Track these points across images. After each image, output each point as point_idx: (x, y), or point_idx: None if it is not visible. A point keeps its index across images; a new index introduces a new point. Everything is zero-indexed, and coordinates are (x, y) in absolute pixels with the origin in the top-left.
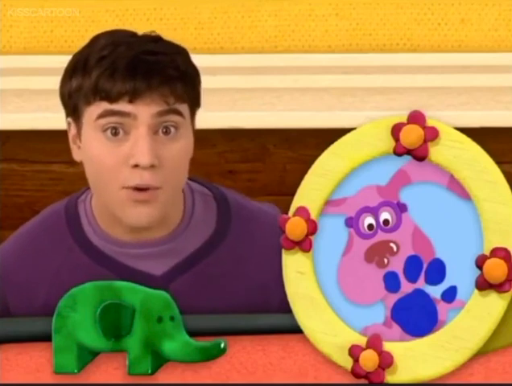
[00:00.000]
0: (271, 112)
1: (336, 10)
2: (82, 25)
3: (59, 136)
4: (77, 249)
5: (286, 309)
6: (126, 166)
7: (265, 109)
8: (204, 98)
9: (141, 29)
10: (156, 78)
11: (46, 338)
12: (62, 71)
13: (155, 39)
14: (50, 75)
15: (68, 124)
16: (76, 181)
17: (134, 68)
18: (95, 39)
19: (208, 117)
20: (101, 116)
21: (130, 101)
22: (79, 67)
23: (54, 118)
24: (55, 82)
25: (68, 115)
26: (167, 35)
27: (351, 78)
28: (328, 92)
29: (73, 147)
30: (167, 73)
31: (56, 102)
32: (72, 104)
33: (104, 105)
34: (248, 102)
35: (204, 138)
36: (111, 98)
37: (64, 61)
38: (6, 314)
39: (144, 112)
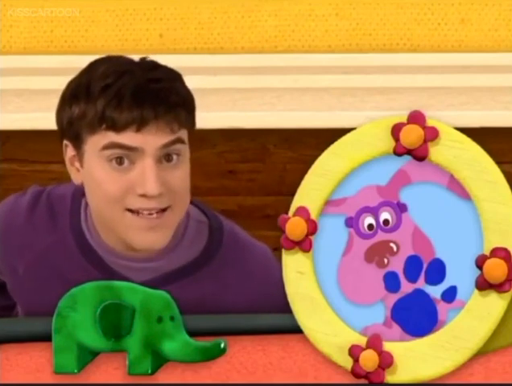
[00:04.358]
0: (271, 112)
1: (336, 10)
2: (82, 25)
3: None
4: (70, 237)
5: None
6: (132, 193)
7: (265, 109)
8: (204, 98)
9: (141, 29)
10: (162, 106)
11: (46, 338)
12: (62, 71)
13: (154, 66)
14: (50, 75)
15: (65, 146)
16: None
17: (140, 97)
18: (93, 66)
19: (208, 117)
20: (107, 147)
21: (138, 130)
22: (80, 94)
23: (54, 118)
24: (55, 82)
25: (64, 138)
26: (167, 35)
27: (351, 78)
28: (328, 92)
29: (71, 169)
30: (172, 100)
31: (56, 102)
32: (74, 132)
33: (110, 136)
34: (248, 102)
35: (204, 138)
36: (118, 127)
37: (64, 61)
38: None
39: (150, 144)
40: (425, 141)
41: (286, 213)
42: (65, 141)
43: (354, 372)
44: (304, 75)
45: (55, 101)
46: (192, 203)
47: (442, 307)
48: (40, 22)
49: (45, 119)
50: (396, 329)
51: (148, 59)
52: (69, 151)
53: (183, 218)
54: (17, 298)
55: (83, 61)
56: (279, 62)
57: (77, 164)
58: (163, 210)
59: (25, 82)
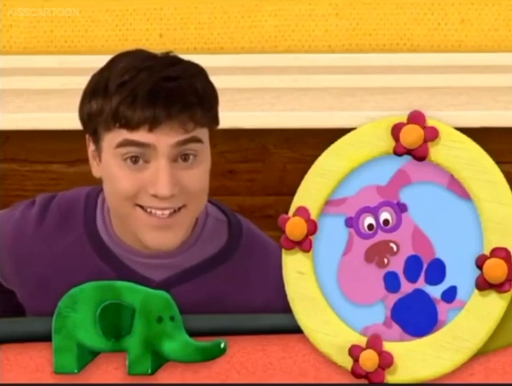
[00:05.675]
0: (271, 112)
1: (336, 10)
2: (82, 25)
3: (59, 136)
4: (86, 239)
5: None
6: (145, 191)
7: (265, 109)
8: None
9: (141, 29)
10: (176, 106)
11: (46, 338)
12: (62, 71)
13: (174, 62)
14: (50, 75)
15: (88, 140)
16: (76, 181)
17: (154, 96)
18: (115, 61)
19: None
20: (121, 145)
21: (150, 130)
22: (99, 89)
23: (54, 118)
24: (55, 82)
25: (86, 132)
26: (167, 35)
27: (351, 78)
28: (328, 92)
29: (93, 163)
30: (187, 100)
31: (56, 102)
32: (92, 127)
33: (123, 134)
34: (248, 102)
35: None
36: (131, 126)
37: (64, 61)
38: None
39: (163, 142)
40: (425, 141)
41: (287, 213)
42: (87, 135)
43: (354, 372)
44: (304, 75)
45: (55, 101)
46: (210, 201)
47: (442, 307)
48: (40, 22)
49: (45, 119)
50: (396, 329)
51: (171, 54)
52: (91, 145)
53: (201, 216)
54: (28, 307)
55: (83, 61)
56: (279, 62)
57: (97, 159)
58: (177, 209)
59: (25, 82)
